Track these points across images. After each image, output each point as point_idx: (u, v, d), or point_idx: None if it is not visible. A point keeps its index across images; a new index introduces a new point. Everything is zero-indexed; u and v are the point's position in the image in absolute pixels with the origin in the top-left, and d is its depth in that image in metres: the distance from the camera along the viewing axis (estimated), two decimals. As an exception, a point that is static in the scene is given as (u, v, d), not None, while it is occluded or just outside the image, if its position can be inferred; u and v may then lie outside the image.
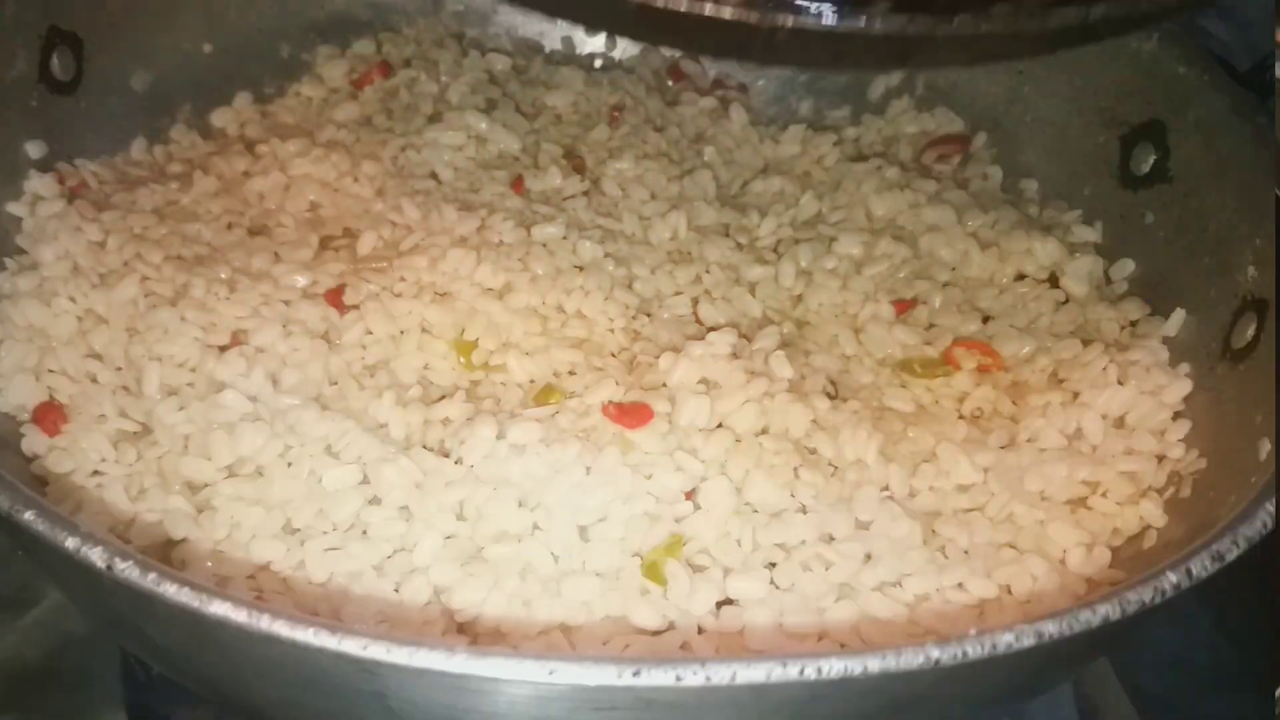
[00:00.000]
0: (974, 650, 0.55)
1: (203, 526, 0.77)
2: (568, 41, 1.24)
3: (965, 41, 0.75)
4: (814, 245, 1.01)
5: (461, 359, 0.89)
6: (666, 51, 1.23)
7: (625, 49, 1.24)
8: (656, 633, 0.74)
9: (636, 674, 0.52)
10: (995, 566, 0.78)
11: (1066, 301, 0.97)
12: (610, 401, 0.85)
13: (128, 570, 0.56)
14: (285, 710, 0.65)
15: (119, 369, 0.86)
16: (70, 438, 0.82)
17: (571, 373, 0.89)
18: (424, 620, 0.74)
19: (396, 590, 0.75)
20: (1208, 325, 0.89)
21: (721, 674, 0.52)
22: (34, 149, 0.97)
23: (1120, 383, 0.89)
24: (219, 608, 0.54)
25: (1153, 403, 0.87)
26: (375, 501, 0.79)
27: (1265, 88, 0.95)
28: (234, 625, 0.54)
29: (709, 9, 0.66)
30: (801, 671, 0.52)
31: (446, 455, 0.81)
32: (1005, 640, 0.55)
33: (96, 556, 0.57)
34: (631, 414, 0.83)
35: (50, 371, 0.86)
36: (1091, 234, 1.01)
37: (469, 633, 0.74)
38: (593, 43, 1.24)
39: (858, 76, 1.18)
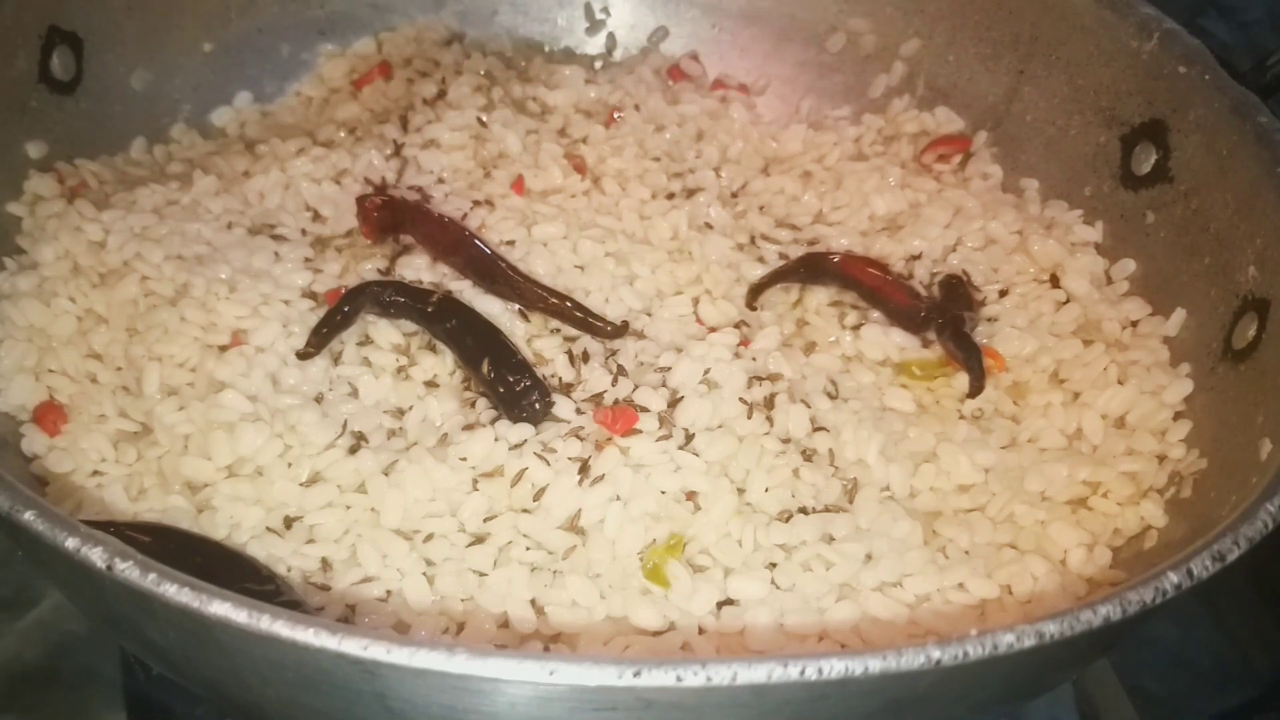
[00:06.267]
0: (975, 651, 0.54)
1: (202, 526, 0.77)
2: (568, 42, 1.24)
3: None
4: (815, 246, 1.01)
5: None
6: (667, 50, 1.23)
7: (625, 49, 1.24)
8: (657, 633, 0.74)
9: (637, 674, 0.52)
10: (996, 567, 0.78)
11: (1067, 301, 0.96)
12: (600, 406, 0.85)
13: (128, 570, 0.56)
14: (285, 710, 0.64)
15: (119, 369, 0.86)
16: (70, 438, 0.82)
17: (580, 375, 0.89)
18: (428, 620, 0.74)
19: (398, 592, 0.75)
20: (1208, 325, 0.88)
21: (722, 674, 0.52)
22: (34, 149, 0.97)
23: (1121, 383, 0.89)
24: (219, 608, 0.54)
25: (1153, 403, 0.87)
26: (374, 511, 0.79)
27: (1266, 88, 0.95)
28: (234, 625, 0.54)
29: None
30: (802, 672, 0.52)
31: (447, 456, 0.81)
32: (1006, 640, 0.55)
33: (96, 556, 0.56)
34: (619, 418, 0.83)
35: (50, 371, 0.86)
36: (1092, 233, 1.01)
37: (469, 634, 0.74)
38: (593, 43, 1.24)
39: (858, 75, 1.18)
